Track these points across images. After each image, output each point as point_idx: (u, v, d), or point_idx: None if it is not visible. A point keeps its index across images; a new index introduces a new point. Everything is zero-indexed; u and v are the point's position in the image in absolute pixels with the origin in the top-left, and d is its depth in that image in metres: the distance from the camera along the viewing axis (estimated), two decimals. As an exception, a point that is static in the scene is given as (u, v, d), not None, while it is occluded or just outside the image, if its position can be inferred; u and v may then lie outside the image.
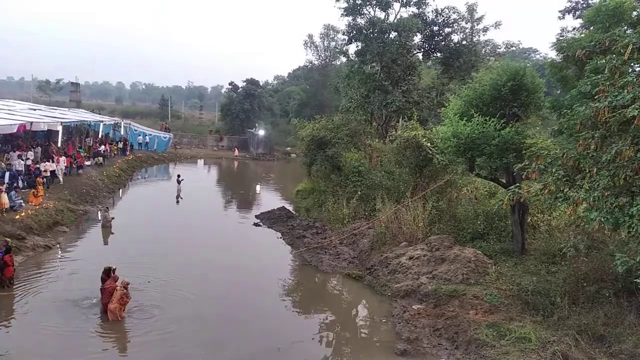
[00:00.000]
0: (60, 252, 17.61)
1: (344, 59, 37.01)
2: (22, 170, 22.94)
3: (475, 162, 15.98)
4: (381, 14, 31.03)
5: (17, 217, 18.14)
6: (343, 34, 32.66)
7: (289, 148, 58.64)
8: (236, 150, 56.80)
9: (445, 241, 15.83)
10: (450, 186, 19.84)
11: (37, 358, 10.24)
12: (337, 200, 23.65)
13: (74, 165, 27.85)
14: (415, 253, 15.85)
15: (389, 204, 19.52)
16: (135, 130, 48.76)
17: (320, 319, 13.71)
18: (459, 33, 32.34)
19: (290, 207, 27.51)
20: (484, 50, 37.87)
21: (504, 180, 16.49)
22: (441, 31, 32.01)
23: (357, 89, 31.10)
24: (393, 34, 29.76)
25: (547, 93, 16.79)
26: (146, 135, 49.55)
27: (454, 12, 31.62)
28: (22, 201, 19.49)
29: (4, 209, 17.92)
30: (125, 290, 12.29)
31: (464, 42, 32.09)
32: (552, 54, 19.62)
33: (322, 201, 25.31)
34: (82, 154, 30.27)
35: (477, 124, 14.65)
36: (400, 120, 28.99)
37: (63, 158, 25.73)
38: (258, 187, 38.87)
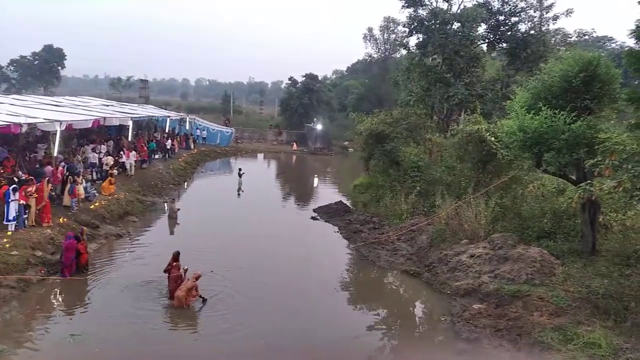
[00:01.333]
0: (130, 240, 18.66)
1: (404, 52, 36.57)
2: (95, 163, 24.41)
3: (543, 157, 15.28)
4: (443, 5, 30.37)
5: (92, 207, 19.39)
6: (403, 26, 32.33)
7: (346, 142, 58.65)
8: (294, 145, 57.57)
9: (509, 239, 15.30)
10: (515, 182, 19.09)
11: (107, 341, 10.91)
12: (395, 195, 23.44)
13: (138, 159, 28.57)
14: (477, 251, 15.44)
15: (449, 200, 19.10)
16: (200, 125, 50.58)
17: (377, 314, 13.71)
18: (526, 22, 31.04)
19: (347, 202, 27.57)
20: (553, 39, 35.89)
21: (573, 177, 15.64)
22: (507, 21, 30.79)
23: (417, 82, 30.60)
24: (456, 25, 28.98)
25: (624, 84, 15.70)
26: (210, 129, 51.28)
27: (521, 1, 30.31)
28: (95, 192, 20.81)
29: (80, 199, 19.18)
30: (195, 282, 12.82)
31: (532, 32, 30.68)
32: (630, 42, 18.32)
33: (379, 196, 25.17)
34: (149, 148, 31.81)
35: (546, 118, 13.99)
36: (463, 114, 28.24)
37: (133, 152, 27.05)
38: (315, 181, 39.22)
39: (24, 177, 17.07)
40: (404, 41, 33.11)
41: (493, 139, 18.11)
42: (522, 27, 30.89)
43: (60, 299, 12.95)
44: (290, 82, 69.56)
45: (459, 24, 28.69)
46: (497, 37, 31.32)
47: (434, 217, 19.12)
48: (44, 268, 14.12)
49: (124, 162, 26.22)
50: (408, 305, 14.90)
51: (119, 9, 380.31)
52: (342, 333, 12.09)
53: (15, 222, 15.14)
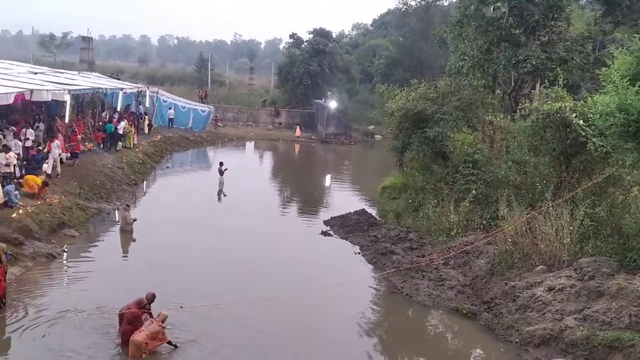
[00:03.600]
0: (67, 262, 18.78)
1: (454, -1, 36.43)
2: (19, 154, 24.57)
3: (655, 149, 15.18)
4: None
5: (14, 215, 19.52)
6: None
7: (372, 127, 58.74)
8: (298, 130, 57.64)
9: (604, 266, 15.17)
10: (613, 185, 18.92)
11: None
12: (441, 202, 23.37)
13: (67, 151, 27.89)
14: (558, 282, 15.33)
15: (519, 210, 18.98)
16: (165, 102, 50.81)
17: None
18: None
19: (372, 211, 27.55)
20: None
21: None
22: (602, -46, 30.59)
23: (473, 41, 30.48)
24: (528, -40, 28.85)
25: None
26: (179, 107, 51.52)
27: None
28: (18, 195, 20.90)
29: (-3, 205, 19.36)
30: (161, 326, 12.88)
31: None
32: None
33: (418, 203, 25.11)
34: (105, 132, 32.40)
35: (658, 93, 13.88)
36: (538, 86, 28.06)
37: (56, 142, 25.79)
38: (328, 181, 39.23)
39: None
40: (455, -17, 33.05)
41: (582, 122, 17.97)
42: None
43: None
44: (293, 40, 69.75)
45: (533, -41, 28.56)
46: (588, -23, 31.16)
47: (496, 234, 19.02)
48: (-54, 301, 14.26)
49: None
50: (460, 358, 14.82)
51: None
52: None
53: None
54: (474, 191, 22.31)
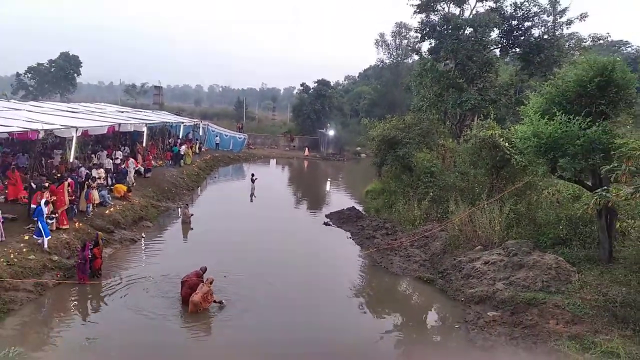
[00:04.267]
0: (144, 245, 18.80)
1: (416, 57, 36.49)
2: (110, 169, 24.66)
3: (558, 163, 15.07)
4: (456, 10, 30.29)
5: (107, 212, 19.57)
6: (415, 32, 32.35)
7: (359, 148, 58.55)
8: (307, 150, 57.57)
9: (524, 246, 15.12)
10: (529, 188, 18.89)
11: (121, 346, 10.98)
12: (408, 201, 23.32)
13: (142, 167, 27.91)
14: (491, 258, 15.27)
15: (463, 206, 18.95)
16: (213, 131, 50.87)
17: (390, 321, 13.64)
18: (540, 27, 30.73)
19: (360, 207, 27.48)
20: (567, 44, 35.55)
21: (589, 183, 15.41)
22: (520, 25, 30.54)
23: (430, 88, 30.52)
24: (468, 30, 28.91)
25: (640, 89, 15.49)
26: (223, 135, 51.58)
27: (534, 5, 30.04)
28: (110, 197, 20.98)
29: (95, 204, 19.37)
30: (210, 288, 12.87)
31: (546, 37, 30.40)
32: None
33: (392, 202, 25.07)
34: (172, 152, 32.83)
35: (560, 123, 13.81)
36: (476, 119, 28.04)
37: (132, 160, 25.94)
38: (328, 187, 39.19)
39: (46, 184, 17.25)
40: (416, 46, 33.22)
41: (507, 144, 17.93)
42: (536, 32, 30.63)
43: (75, 303, 13.07)
44: (302, 88, 69.71)
45: (472, 29, 28.59)
46: (510, 42, 31.09)
47: (447, 223, 18.98)
48: (59, 272, 14.28)
49: (138, 169, 26.42)
50: (422, 312, 14.75)
51: (134, 19, 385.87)
52: (354, 340, 12.02)
53: (48, 238, 15.00)
54: (431, 193, 22.28)
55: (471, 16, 29.74)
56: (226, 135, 52.18)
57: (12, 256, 13.58)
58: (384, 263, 17.86)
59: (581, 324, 11.62)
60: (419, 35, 30.91)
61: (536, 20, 30.40)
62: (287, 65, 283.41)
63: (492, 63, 29.70)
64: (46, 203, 15.29)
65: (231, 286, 14.43)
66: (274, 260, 17.61)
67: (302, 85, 69.66)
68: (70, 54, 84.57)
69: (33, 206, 15.91)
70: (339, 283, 15.89)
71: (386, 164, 27.43)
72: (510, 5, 30.28)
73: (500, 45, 31.63)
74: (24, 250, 14.21)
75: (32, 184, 17.59)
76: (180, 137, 40.94)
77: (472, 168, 21.71)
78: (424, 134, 26.64)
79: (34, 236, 14.86)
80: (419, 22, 30.19)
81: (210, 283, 13.04)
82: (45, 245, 14.80)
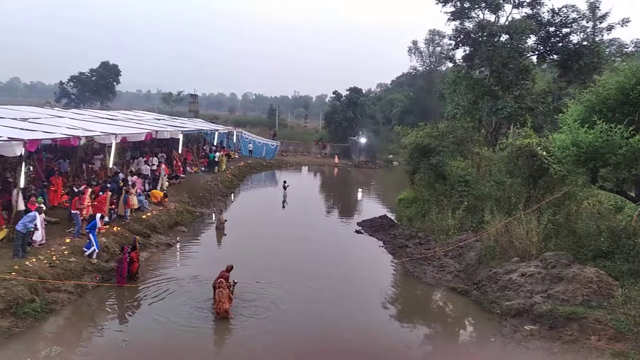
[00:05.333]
0: (179, 249, 19.13)
1: (450, 65, 35.93)
2: (148, 175, 25.27)
3: (599, 173, 14.60)
4: (491, 17, 29.73)
5: (144, 216, 20.04)
6: (449, 39, 31.79)
7: (390, 156, 58.17)
8: (336, 158, 57.50)
9: (563, 258, 14.62)
10: (569, 199, 18.26)
11: (156, 348, 11.17)
12: (442, 210, 22.94)
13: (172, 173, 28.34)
14: (529, 270, 14.82)
15: (499, 216, 18.49)
16: (246, 139, 51.54)
17: (423, 332, 13.40)
18: (578, 33, 29.85)
19: (392, 216, 27.23)
20: (608, 50, 34.40)
21: (632, 194, 14.84)
22: (558, 32, 29.78)
23: (464, 95, 30.04)
24: (504, 37, 28.33)
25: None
26: (256, 142, 52.18)
27: (573, 11, 29.23)
28: (147, 202, 21.49)
29: (133, 209, 19.86)
30: (227, 283, 13.00)
31: (585, 43, 29.50)
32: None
33: (425, 211, 24.70)
34: (209, 158, 33.83)
35: (601, 132, 13.38)
36: (512, 127, 27.45)
37: (162, 167, 26.57)
38: (359, 195, 39.03)
39: (81, 188, 17.84)
40: (450, 54, 32.60)
41: (545, 153, 17.46)
42: (574, 38, 29.79)
43: (113, 305, 13.38)
44: (334, 95, 69.96)
45: (507, 36, 28.03)
46: (548, 48, 30.36)
47: (482, 234, 18.56)
48: (98, 275, 14.69)
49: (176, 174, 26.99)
50: (456, 324, 14.43)
51: (170, 30, 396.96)
52: (385, 349, 11.87)
53: (97, 250, 15.32)
54: (465, 203, 21.87)
55: (507, 23, 29.18)
56: (259, 143, 52.80)
57: (54, 258, 14.05)
58: (417, 273, 17.60)
59: (625, 341, 11.13)
60: (453, 42, 30.50)
61: (575, 27, 29.59)
62: (320, 74, 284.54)
63: (528, 70, 29.01)
64: (101, 217, 15.86)
65: (263, 292, 14.51)
66: (305, 267, 17.61)
67: (334, 93, 69.96)
68: (110, 63, 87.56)
69: (73, 211, 16.43)
70: (370, 292, 15.73)
71: (419, 172, 27.15)
72: (548, 11, 29.61)
73: (537, 52, 30.93)
74: (65, 252, 14.68)
75: (74, 188, 18.19)
76: (215, 144, 41.64)
77: (508, 177, 21.18)
78: (458, 142, 26.24)
79: (84, 248, 15.28)
80: (453, 30, 29.82)
81: (229, 271, 13.29)
82: (94, 257, 15.22)
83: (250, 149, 50.90)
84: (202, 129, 39.84)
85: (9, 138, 14.98)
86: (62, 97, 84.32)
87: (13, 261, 13.00)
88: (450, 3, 29.78)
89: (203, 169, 34.34)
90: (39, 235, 14.63)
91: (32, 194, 16.25)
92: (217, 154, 36.75)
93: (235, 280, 13.40)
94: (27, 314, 11.50)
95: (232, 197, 32.29)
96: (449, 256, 18.93)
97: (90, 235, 15.18)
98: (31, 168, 19.42)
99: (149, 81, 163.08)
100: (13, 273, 12.29)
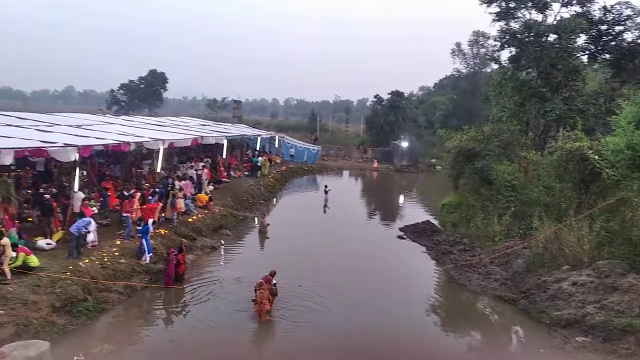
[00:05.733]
0: (224, 252, 19.50)
1: (495, 66, 35.18)
2: (194, 179, 25.92)
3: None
4: (538, 17, 28.82)
5: (190, 220, 20.56)
6: (494, 40, 31.00)
7: (433, 160, 57.26)
8: (375, 162, 57.05)
9: (618, 267, 13.93)
10: (623, 205, 17.36)
11: (203, 349, 11.41)
12: (487, 216, 22.30)
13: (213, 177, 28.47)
14: (580, 279, 14.20)
15: (548, 223, 17.82)
16: (288, 143, 52.04)
17: (468, 340, 13.11)
18: (633, 31, 28.46)
19: (435, 221, 26.76)
20: (666, 48, 32.69)
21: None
22: (611, 30, 28.53)
23: (510, 97, 29.21)
24: (552, 37, 27.42)
25: None
26: (298, 147, 52.60)
27: (627, 7, 27.97)
28: (193, 206, 22.05)
29: (180, 213, 20.41)
30: (268, 286, 13.11)
31: (640, 41, 28.15)
32: None
33: (470, 216, 24.08)
34: (253, 163, 34.63)
35: (660, 134, 12.71)
36: (561, 130, 26.45)
37: (205, 171, 26.68)
38: (402, 199, 38.62)
39: (131, 192, 18.50)
40: (495, 55, 31.79)
41: (597, 157, 16.73)
42: (628, 37, 28.43)
43: (160, 306, 13.78)
44: (375, 99, 69.59)
45: (556, 36, 27.11)
46: (599, 48, 29.13)
47: (530, 240, 17.95)
48: (147, 276, 15.18)
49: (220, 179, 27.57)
50: (502, 333, 14.02)
51: (214, 39, 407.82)
52: (429, 358, 11.63)
53: (150, 255, 15.88)
54: (512, 208, 21.18)
55: (555, 22, 28.23)
56: (300, 147, 53.16)
57: (105, 259, 14.62)
58: (462, 280, 17.20)
59: (687, 357, 10.49)
60: (498, 43, 29.75)
61: (629, 24, 28.26)
62: (362, 78, 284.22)
63: (579, 70, 27.90)
64: (153, 223, 16.41)
65: (305, 296, 14.57)
66: (347, 272, 17.56)
67: (375, 96, 69.62)
68: (158, 71, 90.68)
69: (124, 214, 17.08)
70: (414, 298, 15.52)
71: (463, 176, 26.58)
72: (599, 9, 28.43)
73: (587, 52, 29.74)
74: (116, 254, 15.25)
75: (124, 192, 18.90)
76: (258, 148, 42.28)
77: (557, 182, 20.40)
78: (504, 146, 25.51)
79: (137, 253, 15.82)
80: (498, 30, 29.11)
81: (268, 282, 13.29)
82: (147, 261, 15.74)
83: (292, 153, 51.30)
84: (245, 134, 40.55)
85: (64, 144, 15.77)
86: (113, 104, 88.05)
87: (68, 262, 13.63)
88: (495, 3, 29.10)
89: (246, 173, 34.91)
90: (91, 237, 15.28)
91: (87, 197, 16.98)
92: (260, 158, 37.28)
93: (275, 281, 13.53)
94: (81, 313, 12.03)
95: (275, 201, 32.63)
96: (495, 263, 18.37)
97: (144, 241, 15.72)
98: (84, 173, 20.31)
99: (194, 88, 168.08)
100: (68, 273, 12.88)
